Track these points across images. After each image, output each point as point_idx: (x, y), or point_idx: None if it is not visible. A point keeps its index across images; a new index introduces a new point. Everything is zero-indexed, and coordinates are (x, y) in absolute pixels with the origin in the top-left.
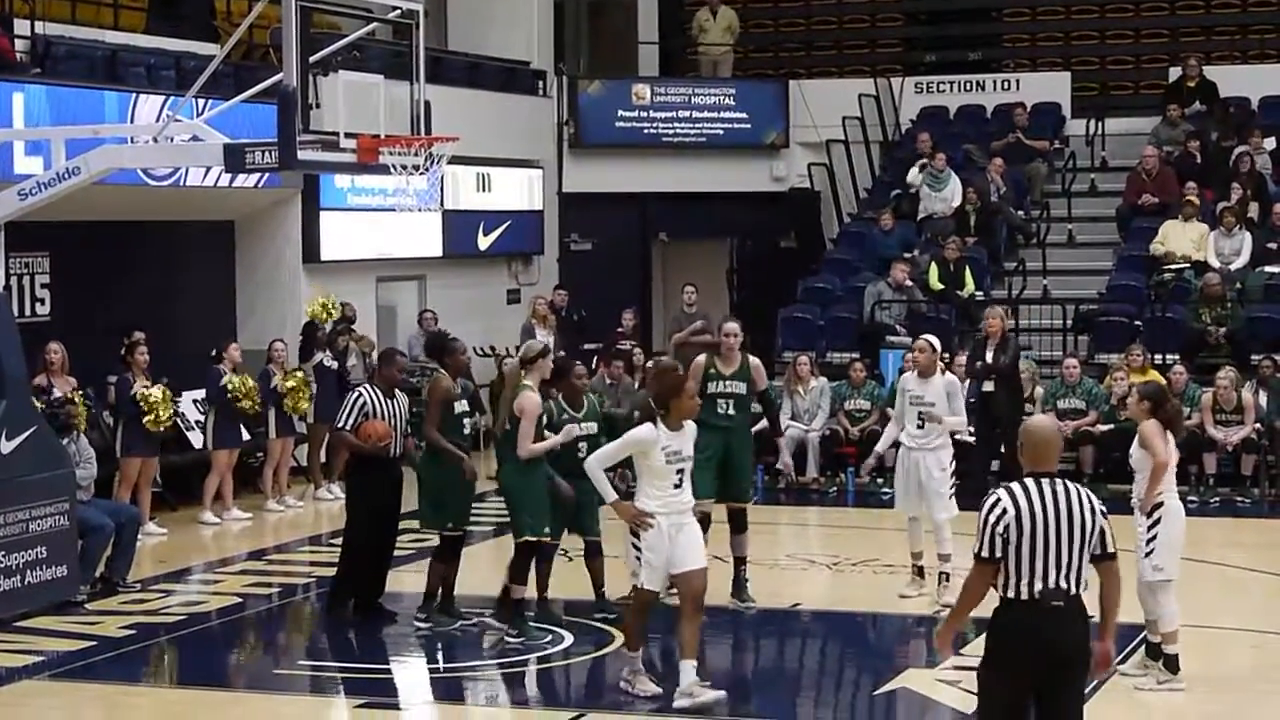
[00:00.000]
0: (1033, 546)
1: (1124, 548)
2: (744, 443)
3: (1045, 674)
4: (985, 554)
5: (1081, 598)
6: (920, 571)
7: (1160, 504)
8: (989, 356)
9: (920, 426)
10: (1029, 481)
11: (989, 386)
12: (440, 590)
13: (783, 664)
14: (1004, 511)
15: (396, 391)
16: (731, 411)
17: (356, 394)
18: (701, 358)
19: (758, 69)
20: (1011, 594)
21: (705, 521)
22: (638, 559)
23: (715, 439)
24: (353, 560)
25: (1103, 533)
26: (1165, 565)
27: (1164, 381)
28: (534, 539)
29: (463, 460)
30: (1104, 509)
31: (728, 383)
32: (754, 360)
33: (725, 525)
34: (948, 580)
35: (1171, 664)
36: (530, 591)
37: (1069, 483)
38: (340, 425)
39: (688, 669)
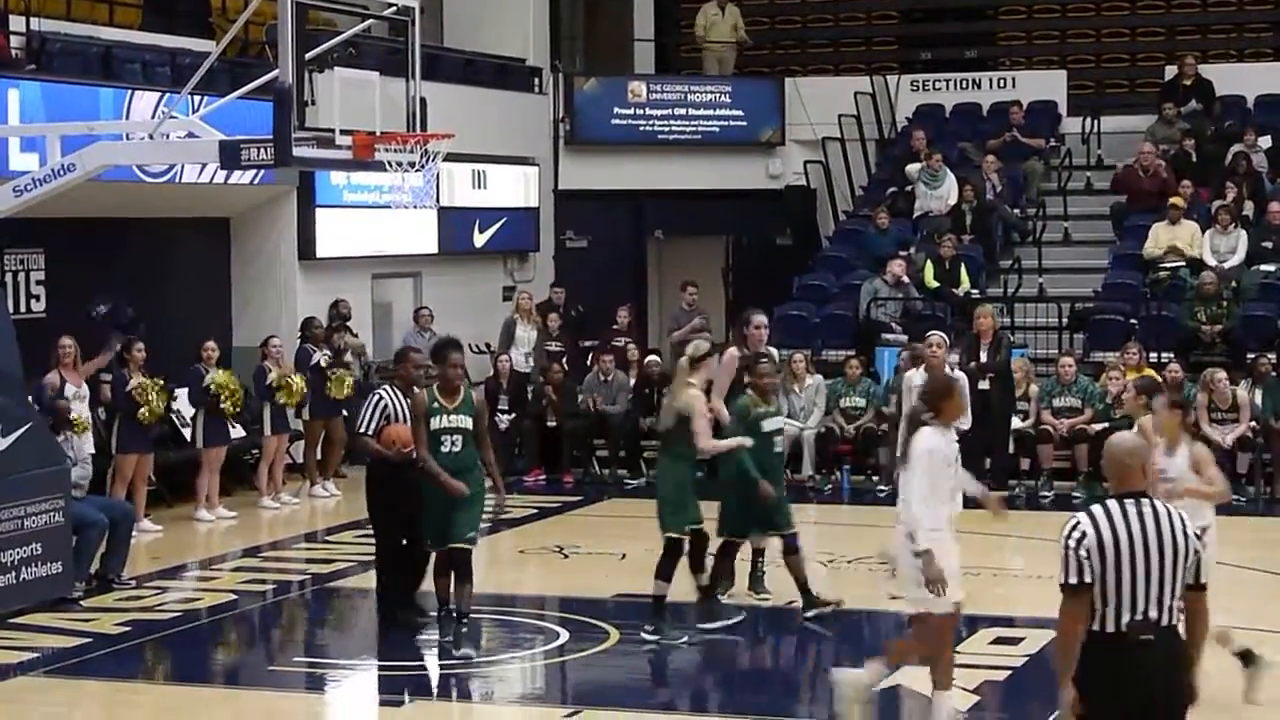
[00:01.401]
0: (1118, 574)
1: None
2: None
3: (1138, 715)
4: (1073, 580)
5: (1176, 630)
6: None
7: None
8: (982, 355)
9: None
10: (1112, 503)
11: (984, 385)
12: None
13: (779, 661)
14: (1083, 535)
15: (415, 390)
16: None
17: (377, 397)
18: (733, 349)
19: (753, 66)
20: (1096, 627)
21: None
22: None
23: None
24: (389, 566)
25: (1197, 559)
26: None
27: (1160, 379)
28: (677, 535)
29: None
30: (1198, 532)
31: None
32: (772, 351)
33: None
34: None
35: None
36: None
37: (1160, 503)
38: (362, 430)
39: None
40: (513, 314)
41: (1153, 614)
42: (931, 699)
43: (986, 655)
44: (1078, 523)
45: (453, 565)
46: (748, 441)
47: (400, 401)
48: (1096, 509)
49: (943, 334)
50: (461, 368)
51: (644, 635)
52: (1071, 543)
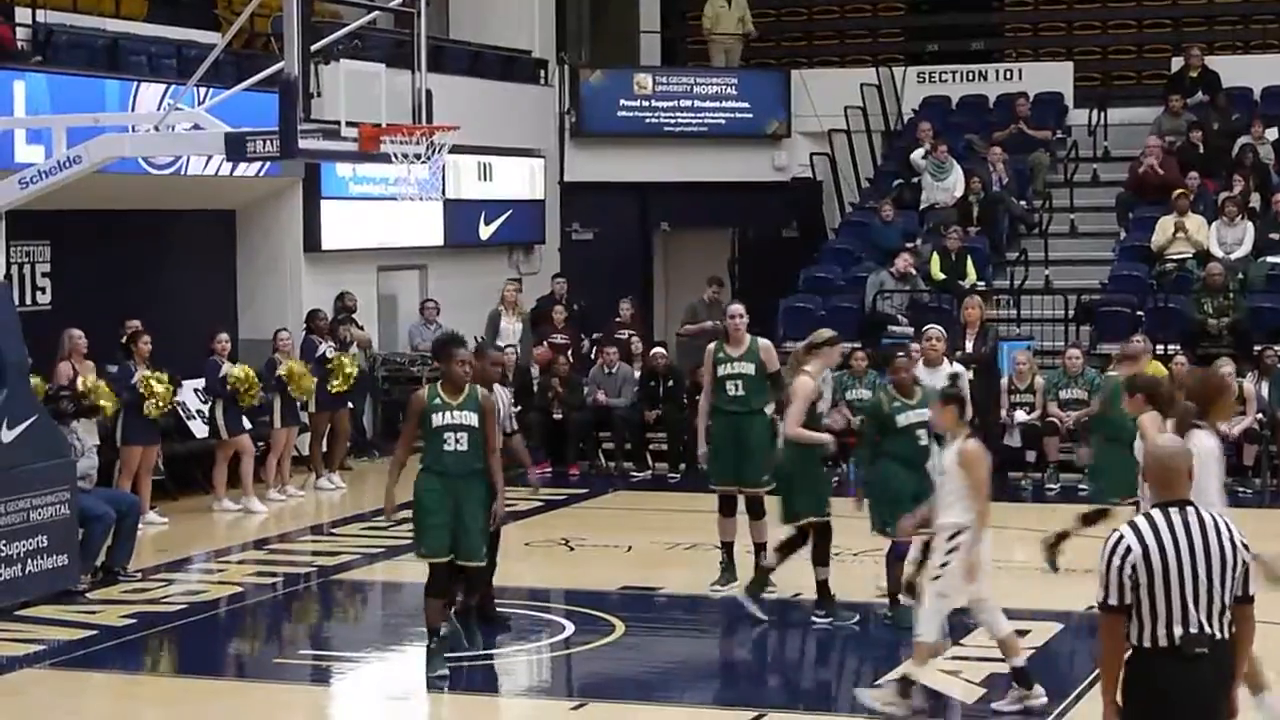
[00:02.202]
0: (1167, 586)
1: None
2: (758, 426)
3: None
4: (1113, 600)
5: (1228, 644)
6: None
7: None
8: (969, 345)
9: None
10: (1155, 513)
11: (970, 376)
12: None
13: (785, 654)
14: (1128, 550)
15: (495, 387)
16: (741, 393)
17: None
18: (711, 345)
19: (760, 58)
20: (1147, 643)
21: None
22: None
23: (728, 423)
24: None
25: (1245, 570)
26: None
27: (1164, 372)
28: (819, 519)
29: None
30: (1245, 541)
31: (736, 364)
32: (763, 341)
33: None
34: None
35: None
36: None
37: (1205, 511)
38: None
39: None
40: (498, 307)
41: (1207, 628)
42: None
43: (993, 648)
44: (1121, 537)
45: (466, 581)
46: (826, 438)
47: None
48: (1140, 520)
49: (941, 328)
50: (468, 364)
51: (815, 619)
52: (1116, 560)
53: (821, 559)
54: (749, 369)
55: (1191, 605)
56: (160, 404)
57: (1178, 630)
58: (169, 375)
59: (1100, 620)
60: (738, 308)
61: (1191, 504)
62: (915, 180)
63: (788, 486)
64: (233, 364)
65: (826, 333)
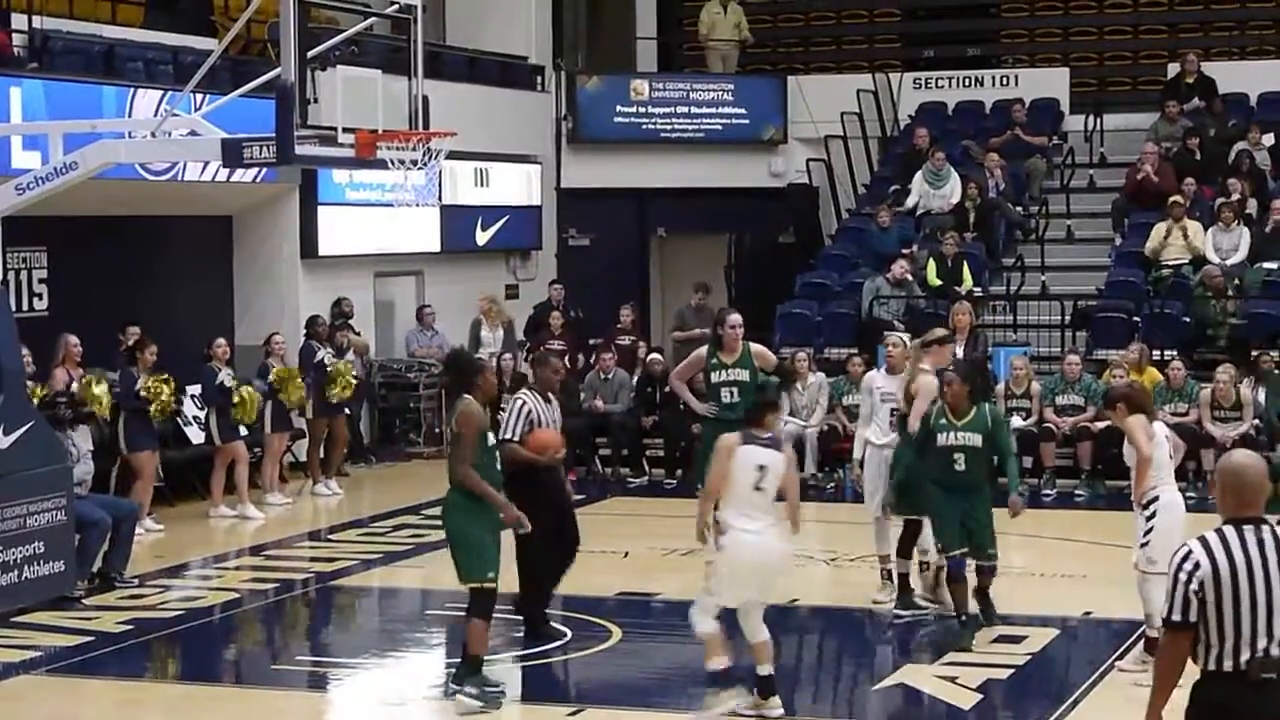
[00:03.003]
0: (1236, 607)
1: (1111, 543)
2: None
3: None
4: (1177, 617)
5: None
6: (889, 575)
7: (1155, 498)
8: (959, 351)
9: (893, 424)
10: (1228, 529)
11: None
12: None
13: (781, 660)
14: (1196, 565)
15: (551, 395)
16: (736, 399)
17: (520, 401)
18: (702, 349)
19: (756, 65)
20: (1212, 665)
21: None
22: None
23: (720, 430)
24: (536, 579)
25: None
26: (1158, 558)
27: (1161, 379)
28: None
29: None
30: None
31: (730, 371)
32: (755, 347)
33: None
34: (890, 579)
35: None
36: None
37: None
38: (508, 437)
39: None
40: (478, 316)
41: (1274, 650)
42: None
43: (989, 654)
44: (1190, 552)
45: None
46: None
47: (543, 406)
48: (1210, 536)
49: (901, 335)
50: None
51: (897, 612)
52: (1183, 575)
53: (906, 552)
54: (743, 375)
55: (1262, 628)
56: (164, 407)
57: (1245, 654)
58: (173, 379)
59: (1163, 636)
60: (736, 318)
61: (1266, 521)
62: (914, 204)
63: (903, 482)
64: (234, 379)
65: (940, 331)
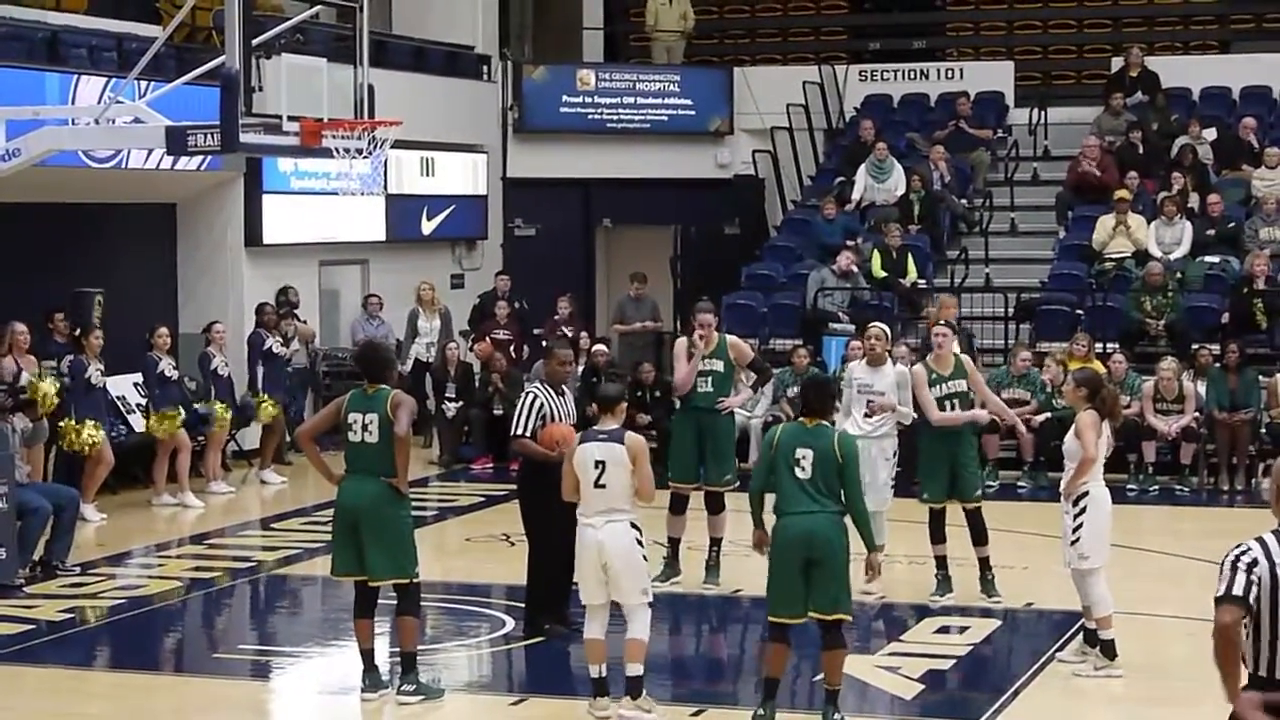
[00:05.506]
0: None
1: (1054, 535)
2: (724, 426)
3: None
4: (1238, 591)
5: None
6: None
7: (1085, 493)
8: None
9: (868, 416)
10: None
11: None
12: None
13: (723, 650)
14: (1255, 561)
15: (564, 387)
16: (710, 389)
17: (531, 396)
18: (683, 339)
19: (702, 56)
20: (1263, 671)
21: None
22: None
23: (695, 421)
24: (543, 574)
25: None
26: (1091, 553)
27: (1103, 370)
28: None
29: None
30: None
31: (707, 361)
32: (730, 338)
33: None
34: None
35: (1108, 650)
36: None
37: None
38: (520, 432)
39: None
40: (415, 306)
41: None
42: None
43: (932, 644)
44: (1248, 548)
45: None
46: (983, 415)
47: (555, 400)
48: (1269, 537)
49: (885, 326)
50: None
51: (932, 601)
52: (1242, 563)
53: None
54: (719, 366)
55: None
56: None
57: (1260, 695)
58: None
59: (1217, 616)
60: (708, 318)
61: None
62: (858, 198)
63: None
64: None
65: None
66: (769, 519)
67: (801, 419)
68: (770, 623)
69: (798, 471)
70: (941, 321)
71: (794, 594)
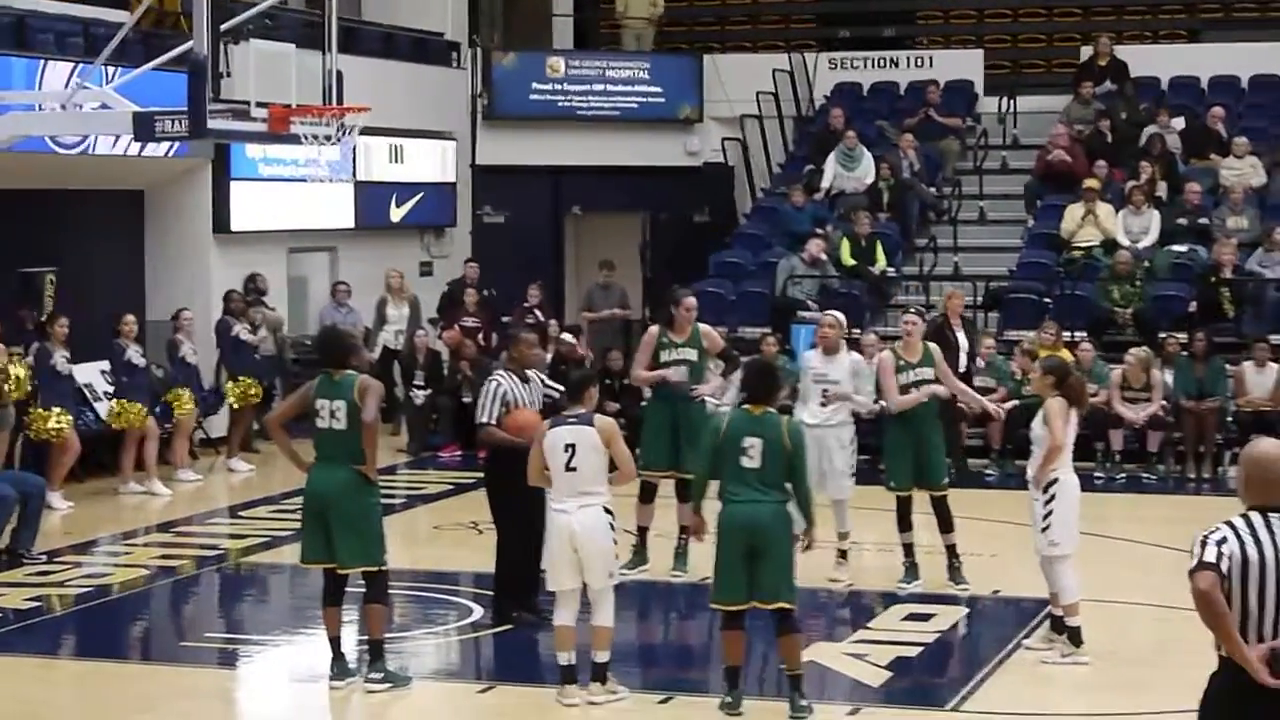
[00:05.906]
0: (1261, 597)
1: (1022, 522)
2: (697, 413)
3: None
4: (1209, 558)
5: None
6: (844, 554)
7: (1055, 480)
8: (961, 339)
9: (824, 404)
10: (1255, 516)
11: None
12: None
13: (691, 638)
14: (1224, 539)
15: (528, 373)
16: (683, 378)
17: (495, 383)
18: (654, 328)
19: (672, 43)
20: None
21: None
22: None
23: (668, 409)
24: (511, 561)
25: None
26: (1060, 540)
27: (1071, 358)
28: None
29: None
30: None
31: (680, 350)
32: (704, 327)
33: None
34: (844, 558)
35: (1075, 637)
36: None
37: None
38: (484, 419)
39: None
40: (383, 294)
41: None
42: None
43: (899, 631)
44: (1218, 528)
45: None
46: (941, 390)
47: (519, 387)
48: (1238, 521)
49: (840, 315)
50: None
51: (899, 588)
52: (1212, 539)
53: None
54: (692, 354)
55: None
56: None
57: (1267, 644)
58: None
59: (1193, 584)
60: (692, 301)
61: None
62: (828, 186)
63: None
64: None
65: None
66: (714, 505)
67: (746, 406)
68: (720, 611)
69: (745, 460)
70: (911, 310)
71: (735, 581)
